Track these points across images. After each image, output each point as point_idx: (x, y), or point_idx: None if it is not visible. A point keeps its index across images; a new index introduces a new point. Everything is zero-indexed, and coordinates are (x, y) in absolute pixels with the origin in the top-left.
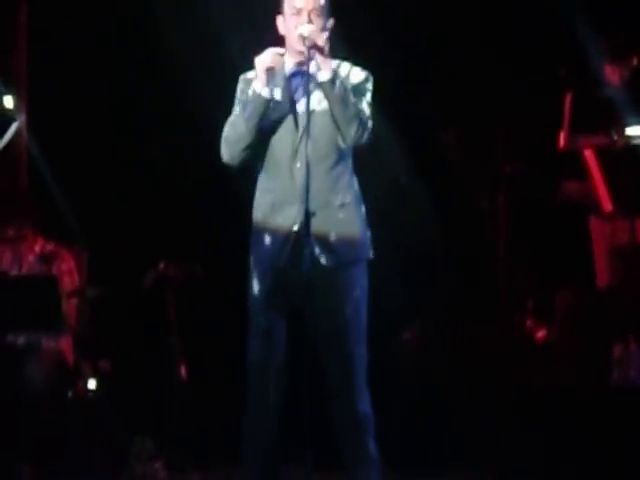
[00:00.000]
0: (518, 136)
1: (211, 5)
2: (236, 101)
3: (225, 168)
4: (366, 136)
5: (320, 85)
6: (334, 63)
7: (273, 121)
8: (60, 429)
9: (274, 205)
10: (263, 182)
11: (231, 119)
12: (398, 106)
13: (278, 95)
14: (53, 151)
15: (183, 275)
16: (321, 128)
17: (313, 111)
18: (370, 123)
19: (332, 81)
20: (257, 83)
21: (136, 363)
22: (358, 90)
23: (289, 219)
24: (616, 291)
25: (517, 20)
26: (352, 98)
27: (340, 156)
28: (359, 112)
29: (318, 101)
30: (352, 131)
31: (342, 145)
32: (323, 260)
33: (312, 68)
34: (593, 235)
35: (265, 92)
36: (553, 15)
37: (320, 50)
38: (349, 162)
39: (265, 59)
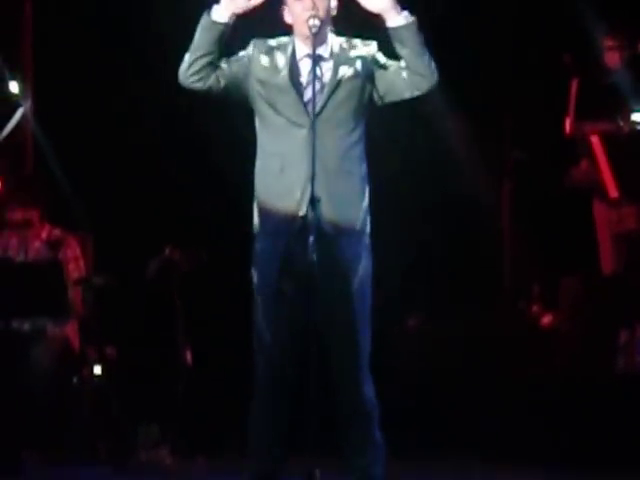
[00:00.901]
0: (524, 122)
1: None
2: None
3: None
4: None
5: (395, 32)
6: (340, 40)
7: (282, 99)
8: (65, 415)
9: (283, 171)
10: (268, 148)
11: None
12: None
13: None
14: (58, 137)
15: (188, 261)
16: (336, 116)
17: (330, 98)
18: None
19: (407, 25)
20: (218, 4)
21: (141, 349)
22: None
23: (295, 187)
24: (622, 277)
25: (522, 7)
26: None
27: (356, 126)
28: (430, 58)
29: (337, 83)
30: (433, 73)
31: (416, 90)
32: (330, 245)
33: (323, 51)
34: (597, 221)
35: (217, 15)
36: (559, 2)
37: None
38: (363, 136)
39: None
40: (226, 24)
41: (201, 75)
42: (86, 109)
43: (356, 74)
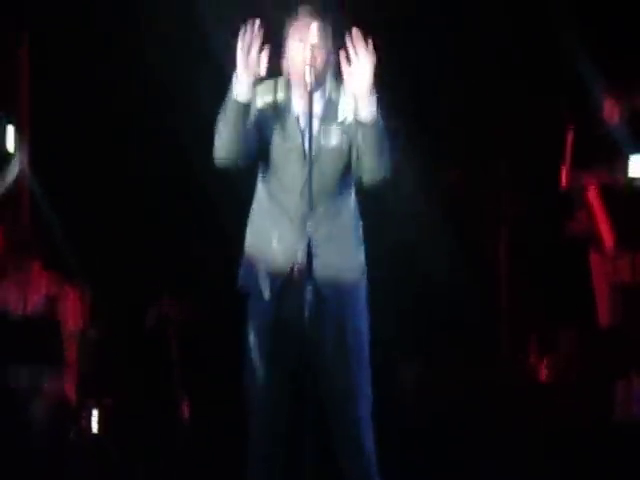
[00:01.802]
0: (521, 173)
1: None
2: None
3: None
4: (389, 175)
5: (359, 124)
6: (340, 90)
7: (280, 142)
8: (62, 468)
9: (275, 227)
10: (264, 202)
11: (219, 117)
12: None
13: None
14: (55, 188)
15: (185, 312)
16: (331, 160)
17: (324, 143)
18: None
19: (373, 124)
20: (236, 82)
21: (139, 401)
22: None
23: (289, 247)
24: (618, 329)
25: (519, 57)
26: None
27: (345, 186)
28: (388, 153)
29: (330, 133)
30: (378, 176)
31: (366, 179)
32: (324, 291)
33: (318, 100)
34: (594, 272)
35: (241, 95)
36: (555, 51)
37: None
38: (352, 190)
39: (246, 48)
40: (250, 99)
41: (244, 152)
42: (82, 161)
43: (342, 133)
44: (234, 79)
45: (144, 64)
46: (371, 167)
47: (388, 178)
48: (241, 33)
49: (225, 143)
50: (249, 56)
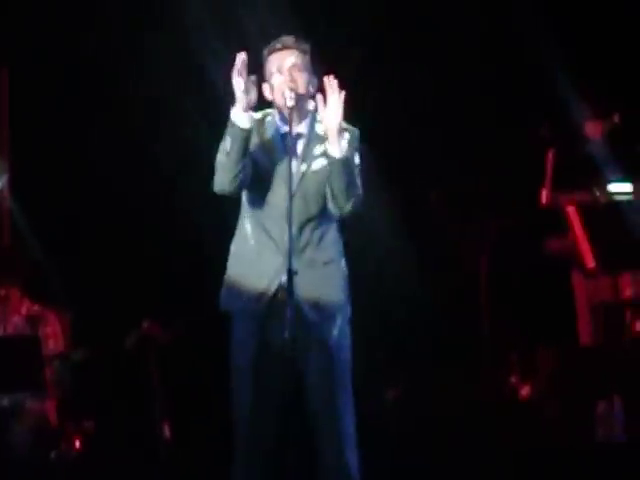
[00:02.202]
0: (500, 194)
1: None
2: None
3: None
4: (357, 209)
5: (329, 160)
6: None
7: (267, 168)
8: None
9: (259, 253)
10: (248, 228)
11: (220, 149)
12: (383, 170)
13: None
14: (35, 212)
15: (166, 334)
16: (313, 187)
17: (306, 170)
18: (361, 193)
19: (343, 160)
20: (234, 110)
21: (120, 423)
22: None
23: (271, 272)
24: (599, 348)
25: (499, 78)
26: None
27: (326, 213)
28: (358, 188)
29: (312, 160)
30: (348, 207)
31: (332, 209)
32: (307, 317)
33: (301, 129)
34: (575, 292)
35: (242, 122)
36: (535, 72)
37: (333, 102)
38: (334, 218)
39: (239, 75)
40: (252, 124)
41: (242, 179)
42: (62, 184)
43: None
44: (233, 109)
45: (125, 95)
46: (337, 200)
47: (356, 212)
48: (235, 65)
49: (230, 173)
50: (244, 84)
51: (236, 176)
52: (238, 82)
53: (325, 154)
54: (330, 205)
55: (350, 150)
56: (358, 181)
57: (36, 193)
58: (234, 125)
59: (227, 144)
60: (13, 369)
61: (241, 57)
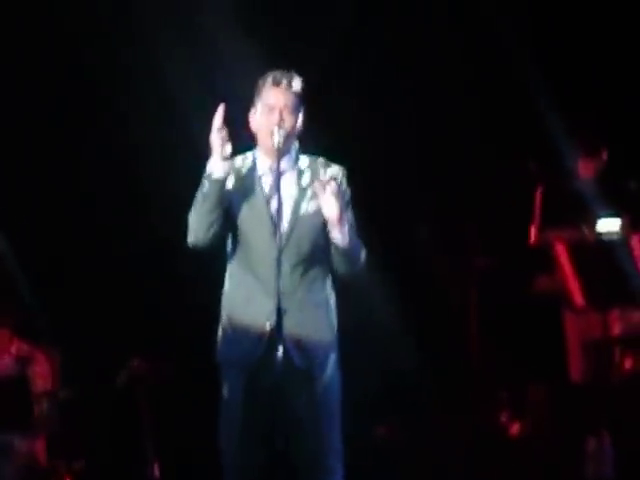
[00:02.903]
0: (489, 231)
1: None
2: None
3: (195, 253)
4: (364, 267)
5: (335, 247)
6: (308, 160)
7: (248, 214)
8: None
9: (249, 299)
10: (236, 275)
11: (194, 203)
12: (369, 203)
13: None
14: (21, 249)
15: (156, 373)
16: (306, 231)
17: (297, 214)
18: (364, 253)
19: (348, 249)
20: (211, 162)
21: (110, 462)
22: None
23: (263, 316)
24: (589, 386)
25: (488, 114)
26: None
27: (319, 257)
28: (361, 251)
29: (302, 202)
30: (356, 269)
31: (341, 273)
32: (296, 361)
33: (335, 231)
34: (567, 329)
35: (217, 173)
36: (524, 110)
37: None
38: (326, 261)
39: (218, 128)
40: (226, 175)
41: (218, 230)
42: (49, 223)
43: (314, 203)
44: (209, 161)
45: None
46: (344, 271)
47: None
48: (215, 118)
49: (203, 223)
50: (222, 136)
51: (210, 225)
52: (217, 135)
53: (314, 195)
54: (338, 270)
55: (348, 211)
56: (359, 245)
57: (21, 231)
58: (209, 175)
59: (201, 194)
60: (2, 409)
61: (220, 110)
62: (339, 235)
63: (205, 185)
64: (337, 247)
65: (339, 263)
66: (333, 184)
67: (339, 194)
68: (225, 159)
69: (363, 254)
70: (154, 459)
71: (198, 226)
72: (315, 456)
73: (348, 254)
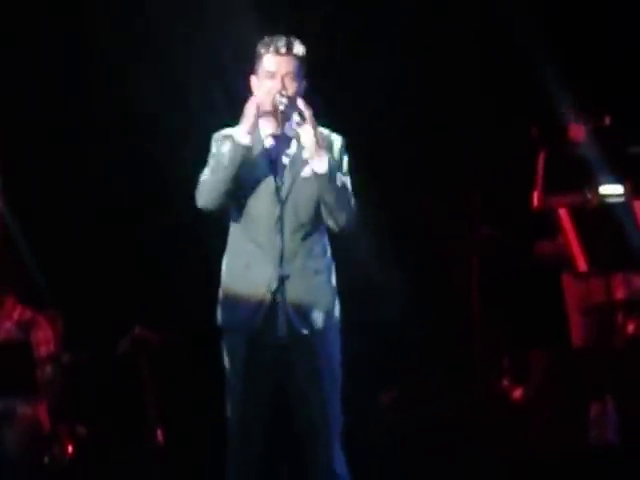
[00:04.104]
0: (491, 197)
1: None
2: (210, 158)
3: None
4: (353, 225)
5: (315, 176)
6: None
7: (251, 179)
8: None
9: (249, 265)
10: (238, 241)
11: (209, 168)
12: (371, 172)
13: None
14: (25, 216)
15: (158, 339)
16: (303, 195)
17: (296, 178)
18: (355, 206)
19: (327, 175)
20: (241, 129)
21: (113, 428)
22: (339, 162)
23: (264, 282)
24: (592, 350)
25: (489, 80)
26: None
27: (316, 222)
28: (350, 199)
29: (301, 167)
30: (343, 219)
31: (331, 226)
32: (298, 326)
33: (308, 152)
34: (567, 294)
35: (246, 140)
36: (525, 75)
37: (308, 122)
38: (325, 228)
39: (256, 104)
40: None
41: (229, 197)
42: (53, 189)
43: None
44: (236, 129)
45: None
46: (332, 215)
47: (352, 228)
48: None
49: (219, 190)
50: (257, 111)
51: (225, 193)
52: (253, 106)
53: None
54: (329, 223)
55: (334, 162)
56: (348, 192)
57: (25, 196)
58: (237, 142)
59: (227, 159)
60: (4, 374)
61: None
62: (317, 162)
63: (232, 150)
64: (318, 178)
65: (327, 214)
66: (308, 112)
67: (314, 122)
68: (253, 131)
69: (351, 208)
70: (157, 424)
71: (216, 191)
72: (317, 422)
73: (330, 189)
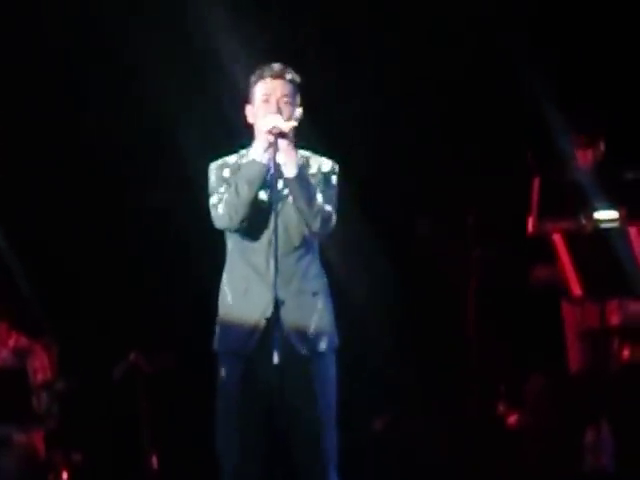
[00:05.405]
0: (487, 221)
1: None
2: (212, 189)
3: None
4: (330, 228)
5: (286, 180)
6: (304, 154)
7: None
8: None
9: (247, 290)
10: (236, 266)
11: (219, 193)
12: (369, 195)
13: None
14: (20, 243)
15: (154, 365)
16: (294, 217)
17: (286, 200)
18: (334, 216)
19: (297, 177)
20: (256, 148)
21: (108, 454)
22: (326, 181)
23: (259, 308)
24: (587, 376)
25: (484, 106)
26: (319, 192)
27: (309, 245)
28: (323, 207)
29: (286, 191)
30: (317, 224)
31: (307, 234)
32: (298, 348)
33: (281, 158)
34: (565, 319)
35: (260, 157)
36: (521, 100)
37: (285, 139)
38: (317, 251)
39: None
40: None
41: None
42: (47, 214)
43: None
44: (253, 148)
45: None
46: (306, 219)
47: (329, 230)
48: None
49: (243, 210)
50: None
51: (250, 211)
52: (264, 128)
53: (313, 176)
54: (305, 229)
55: (305, 170)
56: (329, 201)
57: (20, 224)
58: (253, 159)
59: (245, 179)
60: (0, 401)
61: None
62: (288, 167)
63: (251, 172)
64: (289, 183)
65: (299, 208)
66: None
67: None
68: (266, 150)
69: (324, 216)
70: (152, 451)
71: (236, 214)
72: (313, 446)
73: (300, 192)
